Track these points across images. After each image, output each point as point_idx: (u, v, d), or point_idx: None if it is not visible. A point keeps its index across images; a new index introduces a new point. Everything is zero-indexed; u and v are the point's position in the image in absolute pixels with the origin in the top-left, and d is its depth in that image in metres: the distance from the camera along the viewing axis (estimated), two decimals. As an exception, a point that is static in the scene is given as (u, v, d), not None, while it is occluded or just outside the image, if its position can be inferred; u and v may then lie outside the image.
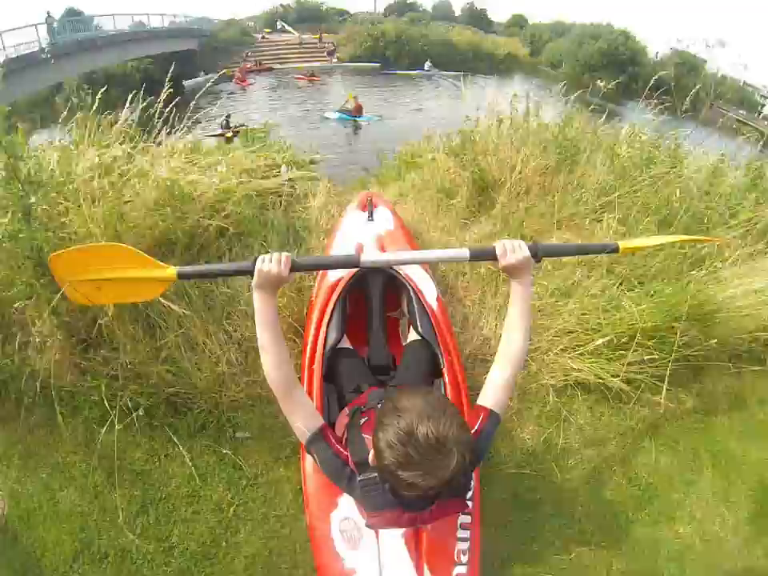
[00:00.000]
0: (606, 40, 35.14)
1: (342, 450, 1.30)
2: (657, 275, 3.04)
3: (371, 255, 1.56)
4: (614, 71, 30.81)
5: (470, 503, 1.57)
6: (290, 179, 4.22)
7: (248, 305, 2.57)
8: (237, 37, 36.52)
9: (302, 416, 1.32)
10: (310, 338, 2.04)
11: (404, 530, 1.52)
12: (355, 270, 2.11)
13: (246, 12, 49.50)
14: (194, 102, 3.98)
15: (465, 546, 1.56)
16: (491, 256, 1.43)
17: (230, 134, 13.21)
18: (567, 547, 2.12)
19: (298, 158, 5.35)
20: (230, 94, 24.96)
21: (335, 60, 33.76)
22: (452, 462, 0.99)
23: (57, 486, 2.18)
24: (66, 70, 20.63)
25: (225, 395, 2.46)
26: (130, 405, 2.22)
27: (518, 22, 53.23)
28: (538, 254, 1.42)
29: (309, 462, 1.65)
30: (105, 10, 32.82)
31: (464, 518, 1.59)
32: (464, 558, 1.55)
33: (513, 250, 1.38)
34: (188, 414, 2.40)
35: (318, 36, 36.36)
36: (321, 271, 2.42)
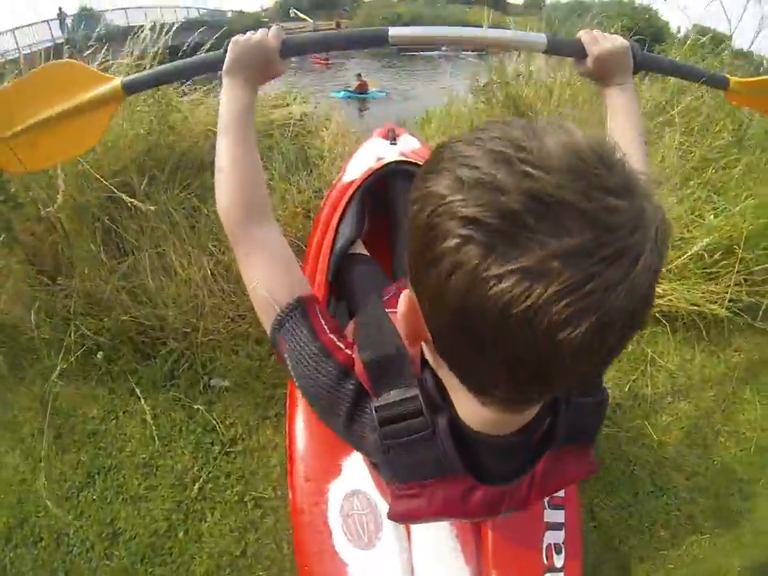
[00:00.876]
0: (627, 17, 34.64)
1: (339, 341, 0.59)
2: (741, 185, 2.41)
3: (402, 30, 0.98)
4: (637, 50, 31.24)
5: None
6: (302, 115, 3.60)
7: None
8: (251, 27, 36.65)
9: (270, 271, 0.64)
10: (316, 238, 1.43)
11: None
12: (375, 169, 1.54)
13: (259, 3, 50.50)
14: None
15: (558, 537, 0.86)
16: (576, 49, 0.92)
17: None
18: (676, 539, 1.54)
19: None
20: None
21: None
22: (649, 203, 0.33)
23: (4, 449, 1.72)
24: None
25: (202, 331, 1.87)
26: (87, 346, 1.80)
27: (535, 3, 52.97)
28: (636, 58, 0.91)
29: (301, 401, 1.02)
30: (116, 5, 33.64)
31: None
32: (558, 560, 0.84)
33: (605, 39, 0.89)
34: (155, 359, 1.85)
35: (334, 22, 36.28)
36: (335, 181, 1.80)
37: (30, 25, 19.16)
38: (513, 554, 0.84)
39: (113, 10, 27.60)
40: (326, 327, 0.59)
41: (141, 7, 28.47)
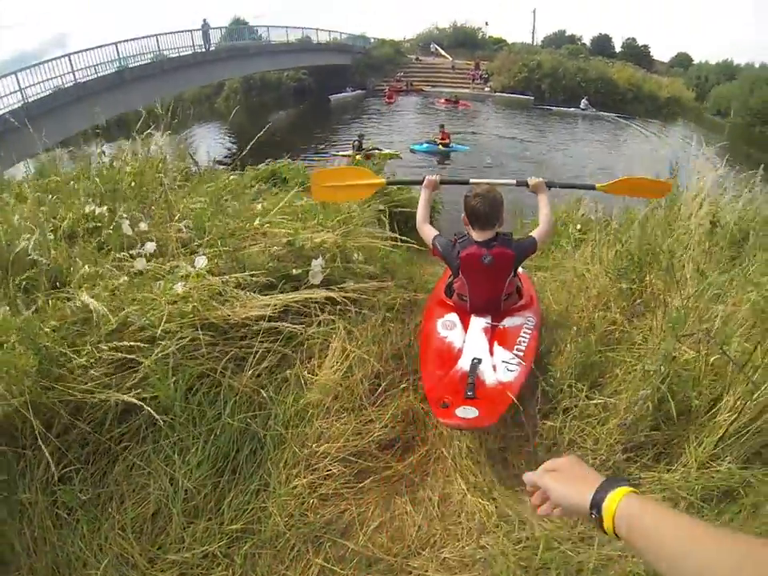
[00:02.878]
0: None
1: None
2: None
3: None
4: (790, 124, 28.77)
5: (533, 317, 2.55)
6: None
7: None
8: (391, 56, 37.68)
9: (432, 230, 2.62)
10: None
11: (484, 325, 2.45)
12: None
13: (404, 32, 50.75)
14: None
15: (525, 339, 2.35)
16: (524, 182, 2.78)
17: (359, 157, 11.74)
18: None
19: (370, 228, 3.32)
20: (376, 111, 27.41)
21: (488, 89, 33.07)
22: (495, 195, 2.45)
23: None
24: (216, 73, 24.96)
25: None
26: None
27: (681, 62, 50.46)
28: (547, 184, 2.76)
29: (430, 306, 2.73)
30: (268, 23, 36.10)
31: (527, 323, 2.46)
32: (522, 346, 2.30)
33: (534, 179, 2.76)
34: None
35: (473, 63, 36.14)
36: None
37: (172, 33, 21.89)
38: (504, 339, 2.36)
39: (257, 26, 31.14)
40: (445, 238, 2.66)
41: (285, 27, 31.18)
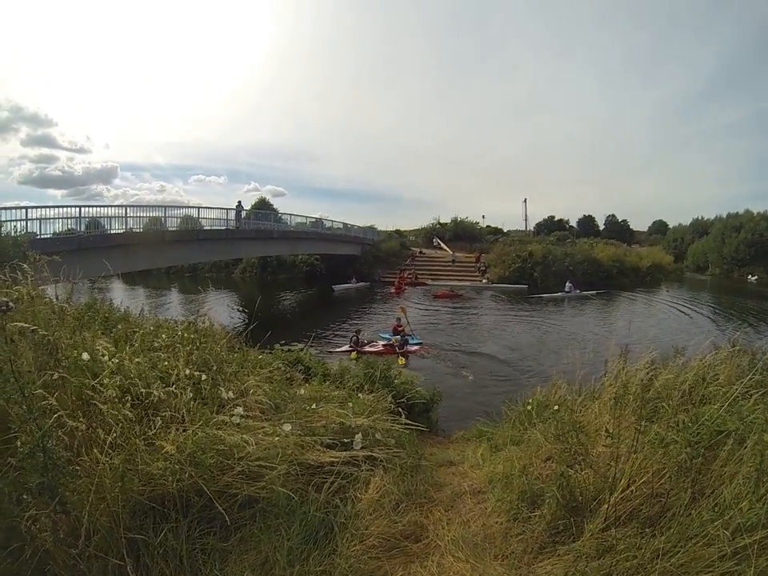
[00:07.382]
0: (747, 229, 34.72)
1: None
2: None
3: None
4: (763, 260, 30.60)
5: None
6: (363, 455, 3.82)
7: None
8: (396, 249, 41.07)
9: None
10: None
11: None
12: None
13: (409, 225, 56.42)
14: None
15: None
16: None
17: (354, 355, 14.15)
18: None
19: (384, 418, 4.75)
20: (380, 302, 28.85)
21: (485, 280, 35.62)
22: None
23: None
24: (243, 250, 29.57)
25: None
26: None
27: (658, 228, 55.93)
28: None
29: None
30: (287, 209, 40.90)
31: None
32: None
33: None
34: None
35: (474, 256, 39.29)
36: None
37: (211, 207, 25.96)
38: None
39: (282, 213, 34.85)
40: None
41: (303, 215, 35.44)
